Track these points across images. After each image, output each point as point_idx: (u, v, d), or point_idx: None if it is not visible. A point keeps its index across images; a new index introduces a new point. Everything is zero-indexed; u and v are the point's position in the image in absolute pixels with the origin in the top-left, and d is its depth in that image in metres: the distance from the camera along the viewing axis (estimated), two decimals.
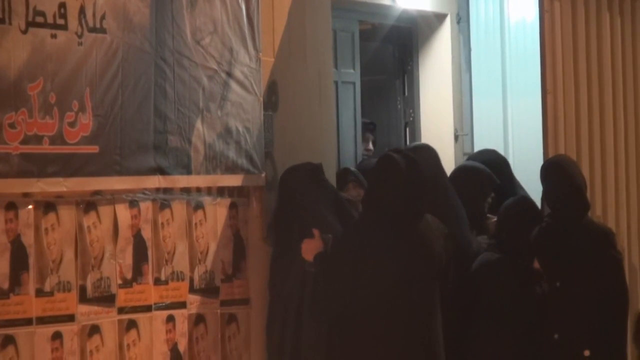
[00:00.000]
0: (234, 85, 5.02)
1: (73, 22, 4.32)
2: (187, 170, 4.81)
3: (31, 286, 4.21)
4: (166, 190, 4.73)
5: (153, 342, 4.64)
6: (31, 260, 4.21)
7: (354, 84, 7.50)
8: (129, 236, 4.57)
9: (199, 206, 4.87)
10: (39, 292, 4.23)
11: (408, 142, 8.10)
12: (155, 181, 4.66)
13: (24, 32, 4.16)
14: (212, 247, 4.92)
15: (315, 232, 4.70)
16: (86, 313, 4.39)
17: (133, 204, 4.59)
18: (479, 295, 5.12)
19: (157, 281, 4.68)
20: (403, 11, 7.65)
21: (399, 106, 8.18)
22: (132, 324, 4.56)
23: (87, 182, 4.39)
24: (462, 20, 7.99)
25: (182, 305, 4.77)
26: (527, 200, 5.46)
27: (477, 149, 7.81)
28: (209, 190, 4.93)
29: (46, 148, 4.24)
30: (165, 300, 4.70)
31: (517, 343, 5.07)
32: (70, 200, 4.35)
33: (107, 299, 4.47)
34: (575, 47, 6.49)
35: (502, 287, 5.09)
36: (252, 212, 5.11)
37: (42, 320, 4.24)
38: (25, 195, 4.21)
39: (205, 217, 4.90)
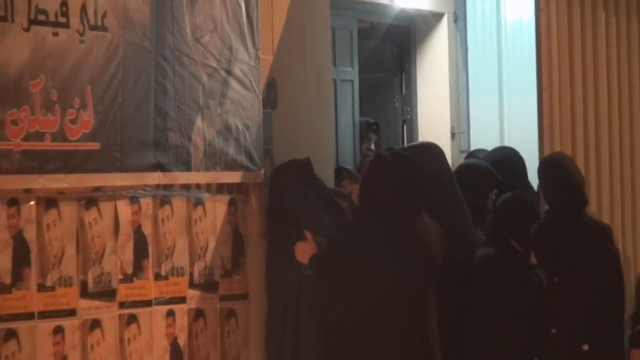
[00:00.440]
0: (233, 83, 5.03)
1: (75, 20, 4.33)
2: (187, 167, 4.81)
3: (33, 281, 4.22)
4: (166, 187, 4.73)
5: (153, 336, 4.65)
6: (33, 256, 4.22)
7: (352, 82, 7.52)
8: (129, 232, 4.59)
9: (199, 202, 4.89)
10: (41, 287, 4.24)
11: (405, 140, 8.15)
12: (155, 178, 4.67)
13: (26, 29, 4.17)
14: (212, 243, 4.93)
15: (308, 234, 4.67)
16: (87, 308, 4.40)
17: (133, 200, 4.60)
18: (476, 289, 5.13)
19: (157, 276, 4.69)
20: (401, 10, 7.70)
21: (397, 104, 8.21)
22: (132, 319, 4.57)
23: (88, 178, 4.39)
24: (459, 19, 8.03)
25: (182, 300, 4.79)
26: (521, 196, 5.44)
27: (473, 146, 7.87)
28: (208, 187, 4.94)
29: (48, 145, 4.24)
30: (165, 295, 4.71)
31: (516, 337, 5.08)
32: (71, 197, 4.36)
33: (107, 294, 4.48)
34: (571, 46, 6.51)
35: (500, 281, 5.08)
36: (251, 209, 5.11)
37: (44, 315, 4.25)
38: (27, 191, 4.22)
39: (205, 213, 4.91)
